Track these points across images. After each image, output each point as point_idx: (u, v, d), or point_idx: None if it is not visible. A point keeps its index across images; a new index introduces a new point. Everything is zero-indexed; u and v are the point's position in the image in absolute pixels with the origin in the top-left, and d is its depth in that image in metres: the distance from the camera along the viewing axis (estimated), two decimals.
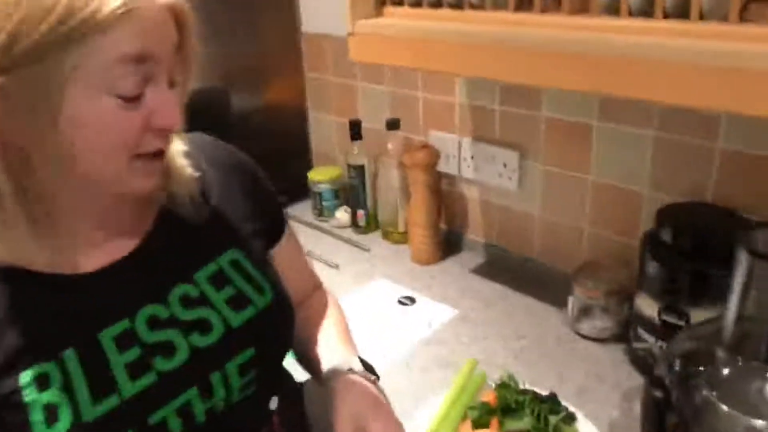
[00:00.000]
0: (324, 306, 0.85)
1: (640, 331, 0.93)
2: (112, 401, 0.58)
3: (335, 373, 0.71)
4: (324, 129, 1.61)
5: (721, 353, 0.61)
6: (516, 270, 1.25)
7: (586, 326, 1.04)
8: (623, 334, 1.01)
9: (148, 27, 0.53)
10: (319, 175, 1.53)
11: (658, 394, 0.64)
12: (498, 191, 1.24)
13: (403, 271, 1.30)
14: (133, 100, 0.55)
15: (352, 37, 0.99)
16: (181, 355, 0.62)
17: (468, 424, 0.84)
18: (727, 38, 0.62)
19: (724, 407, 0.59)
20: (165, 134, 0.59)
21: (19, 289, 0.58)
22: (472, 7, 0.88)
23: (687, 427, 0.62)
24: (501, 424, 0.82)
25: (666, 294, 0.87)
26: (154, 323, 0.62)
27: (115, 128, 0.55)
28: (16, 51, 0.49)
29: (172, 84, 0.59)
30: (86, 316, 0.60)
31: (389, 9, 0.99)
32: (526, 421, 0.82)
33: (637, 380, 0.94)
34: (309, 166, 1.64)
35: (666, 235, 0.88)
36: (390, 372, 0.99)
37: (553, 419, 0.81)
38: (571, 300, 1.06)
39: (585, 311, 1.04)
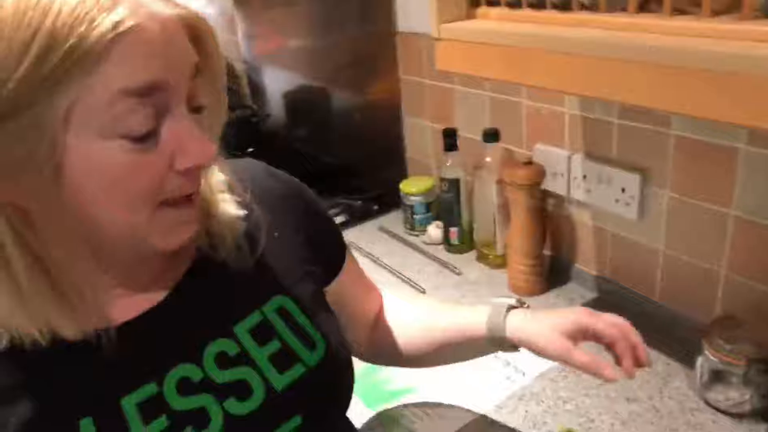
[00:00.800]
0: (403, 302, 0.78)
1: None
2: None
3: (497, 318, 0.65)
4: (419, 136, 1.48)
5: None
6: (633, 312, 1.05)
7: (718, 396, 0.84)
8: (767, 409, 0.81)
9: (151, 51, 0.44)
10: (412, 187, 1.41)
11: None
12: (614, 218, 1.05)
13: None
14: (144, 138, 0.45)
15: (438, 43, 0.85)
16: (215, 426, 0.53)
17: None
18: None
19: None
20: (194, 174, 0.49)
21: (37, 354, 0.51)
22: (583, 7, 0.71)
23: None
24: None
25: None
26: (185, 387, 0.53)
27: (128, 176, 0.46)
28: None
29: (197, 110, 0.49)
30: (108, 379, 0.52)
31: (483, 10, 0.84)
32: None
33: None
34: (403, 175, 1.53)
35: None
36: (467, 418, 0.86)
37: None
38: (700, 361, 0.86)
39: (718, 377, 0.84)
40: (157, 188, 0.47)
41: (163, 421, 0.52)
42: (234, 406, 0.54)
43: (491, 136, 1.18)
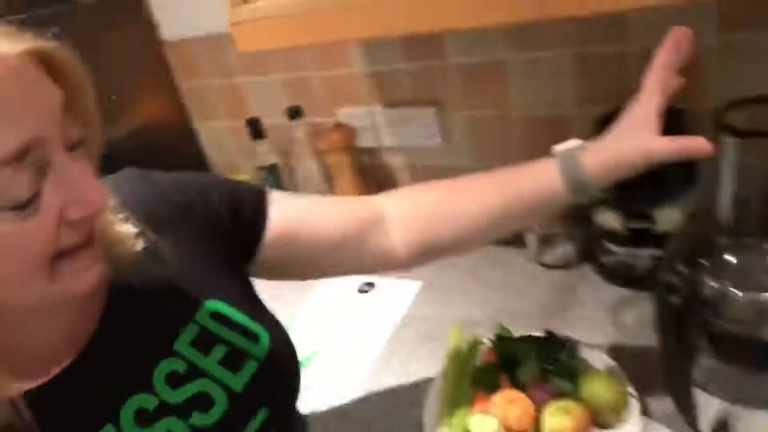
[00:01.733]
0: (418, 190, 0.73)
1: (608, 246, 0.94)
2: None
3: (571, 164, 0.61)
4: (219, 138, 1.49)
5: (720, 240, 0.61)
6: None
7: (549, 257, 1.05)
8: (587, 254, 1.02)
9: (9, 111, 0.39)
10: None
11: (675, 299, 0.63)
12: (423, 152, 1.21)
13: None
14: (28, 203, 0.41)
15: (236, 27, 0.90)
16: None
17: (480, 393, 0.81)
18: None
19: (740, 293, 0.60)
20: (88, 221, 0.46)
21: None
22: None
23: (707, 323, 0.62)
24: (511, 377, 0.80)
25: (626, 202, 0.88)
26: (143, 418, 0.51)
27: (18, 248, 0.42)
28: None
29: (75, 146, 0.45)
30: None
31: None
32: (534, 366, 0.80)
33: (617, 293, 0.95)
34: None
35: None
36: (375, 367, 0.95)
37: (561, 356, 0.80)
38: (528, 236, 1.06)
39: (545, 242, 1.04)
40: (50, 249, 0.44)
41: None
42: (200, 419, 0.53)
43: (295, 112, 1.25)
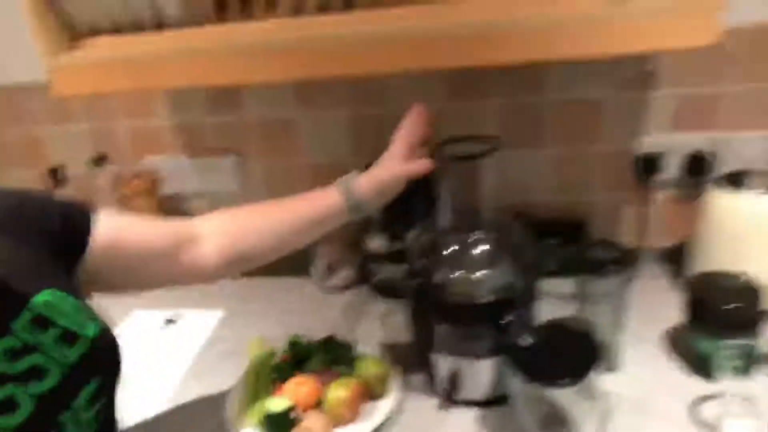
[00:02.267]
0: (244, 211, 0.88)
1: (376, 267, 1.17)
2: None
3: (348, 186, 0.84)
4: (14, 184, 1.48)
5: (441, 239, 0.86)
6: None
7: (333, 281, 1.24)
8: (363, 275, 1.24)
9: None
10: None
11: (418, 280, 0.86)
12: (224, 196, 1.36)
13: (157, 294, 1.32)
14: None
15: (55, 73, 0.99)
16: (26, 408, 0.60)
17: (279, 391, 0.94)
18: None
19: (456, 273, 0.84)
20: None
21: None
22: (171, 27, 0.98)
23: (437, 300, 0.85)
24: (302, 370, 0.96)
25: (387, 228, 1.12)
26: None
27: None
28: None
29: None
30: None
31: (86, 41, 1.02)
32: (320, 359, 0.97)
33: (386, 305, 1.17)
34: None
35: None
36: (181, 383, 1.04)
37: (341, 351, 0.99)
38: (315, 264, 1.25)
39: (330, 269, 1.24)
40: None
41: None
42: (37, 387, 0.61)
43: (99, 160, 1.33)
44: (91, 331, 0.67)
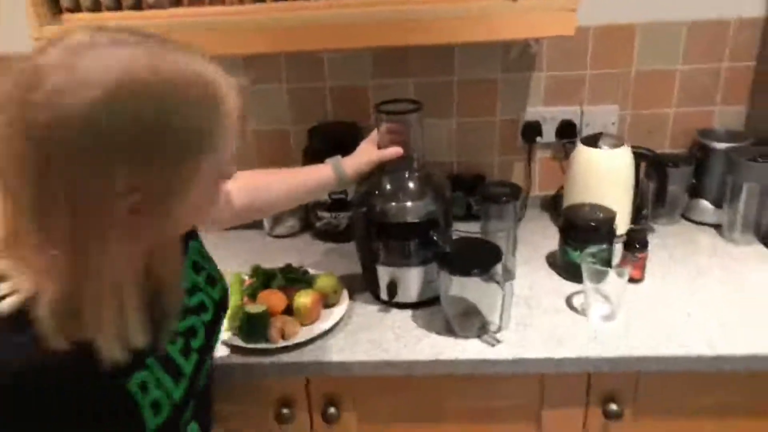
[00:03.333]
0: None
1: (320, 213, 1.40)
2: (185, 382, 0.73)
3: (337, 164, 1.08)
4: None
5: (381, 177, 1.12)
6: None
7: (279, 230, 1.46)
8: (306, 223, 1.47)
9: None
10: None
11: (363, 209, 1.11)
12: None
13: None
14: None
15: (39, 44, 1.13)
16: (200, 336, 0.79)
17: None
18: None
19: (393, 204, 1.10)
20: None
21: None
22: (150, 6, 1.17)
23: (378, 224, 1.10)
24: (266, 286, 1.17)
25: None
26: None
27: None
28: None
29: None
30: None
31: (66, 16, 1.17)
32: (281, 279, 1.18)
33: (329, 247, 1.41)
34: None
35: (317, 144, 1.36)
36: None
37: (298, 274, 1.21)
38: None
39: (276, 219, 1.46)
40: None
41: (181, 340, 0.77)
42: (205, 317, 0.82)
43: None
44: (218, 275, 0.87)
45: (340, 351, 1.05)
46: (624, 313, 1.11)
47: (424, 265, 1.13)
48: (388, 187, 1.12)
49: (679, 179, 1.37)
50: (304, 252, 1.40)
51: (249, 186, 1.07)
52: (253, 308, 1.08)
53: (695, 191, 1.41)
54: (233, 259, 1.38)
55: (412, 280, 1.14)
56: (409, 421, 1.11)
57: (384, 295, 1.15)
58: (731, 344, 1.01)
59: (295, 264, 1.26)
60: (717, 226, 1.38)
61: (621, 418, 1.06)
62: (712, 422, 1.09)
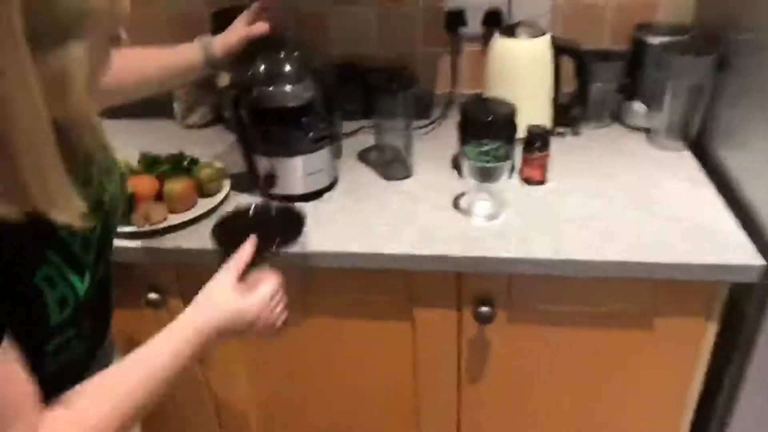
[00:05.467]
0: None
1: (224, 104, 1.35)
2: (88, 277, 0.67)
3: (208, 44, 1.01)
4: None
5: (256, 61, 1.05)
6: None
7: (192, 119, 1.41)
8: (218, 114, 1.42)
9: None
10: None
11: (232, 93, 1.05)
12: None
13: None
14: None
15: None
16: (99, 227, 0.72)
17: None
18: None
19: (269, 88, 1.03)
20: None
21: None
22: None
23: (255, 110, 1.04)
24: (147, 170, 1.14)
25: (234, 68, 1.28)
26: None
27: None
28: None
29: None
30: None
31: None
32: (163, 165, 1.15)
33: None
34: None
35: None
36: None
37: (183, 162, 1.17)
38: (175, 105, 1.41)
39: (188, 109, 1.41)
40: None
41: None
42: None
43: None
44: (114, 165, 0.79)
45: (205, 239, 1.03)
46: (511, 215, 1.05)
47: (303, 155, 1.07)
48: (262, 69, 1.05)
49: (609, 76, 1.26)
50: (211, 144, 1.35)
51: (117, 64, 1.02)
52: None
53: (629, 92, 1.30)
54: (138, 150, 1.35)
55: (290, 172, 1.09)
56: None
57: (262, 187, 1.11)
58: (607, 251, 0.95)
59: (201, 156, 1.22)
60: (649, 131, 1.27)
61: (492, 321, 1.02)
62: (585, 331, 1.04)
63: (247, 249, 0.81)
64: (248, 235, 0.82)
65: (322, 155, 1.09)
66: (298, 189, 1.11)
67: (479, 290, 1.02)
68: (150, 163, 1.16)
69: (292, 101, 1.04)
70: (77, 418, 0.63)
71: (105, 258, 0.75)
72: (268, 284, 0.79)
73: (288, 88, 1.04)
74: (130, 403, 0.66)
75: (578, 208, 1.06)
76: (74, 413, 0.63)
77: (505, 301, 1.03)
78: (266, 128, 1.06)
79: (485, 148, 1.05)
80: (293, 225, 0.92)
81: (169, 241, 1.03)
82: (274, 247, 0.85)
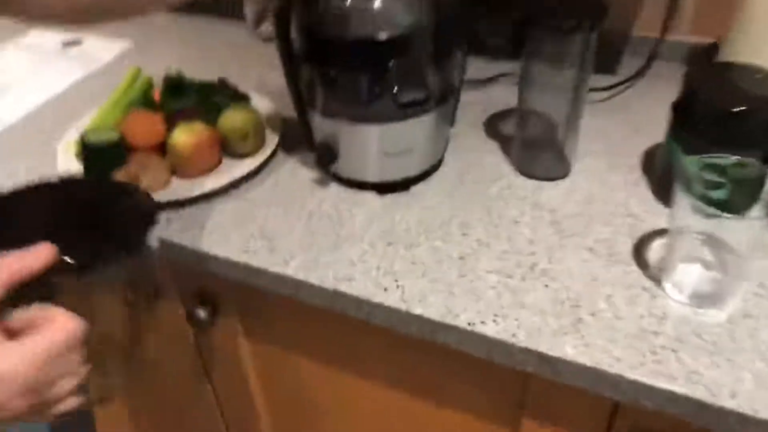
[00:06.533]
0: None
1: None
2: None
3: None
4: None
5: None
6: None
7: (264, 27, 1.00)
8: None
9: None
10: None
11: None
12: None
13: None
14: None
15: None
16: None
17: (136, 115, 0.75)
18: None
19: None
20: None
21: None
22: None
23: (316, 41, 0.60)
24: (163, 105, 0.76)
25: None
26: None
27: None
28: None
29: None
30: None
31: None
32: (189, 100, 0.76)
33: None
34: None
35: None
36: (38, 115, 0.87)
37: (218, 96, 0.77)
38: (246, 9, 1.00)
39: (261, 15, 0.99)
40: None
41: None
42: None
43: None
44: None
45: (206, 231, 0.64)
46: (751, 303, 0.55)
47: (383, 123, 0.63)
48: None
49: None
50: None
51: None
52: (98, 134, 0.68)
53: None
54: (176, 57, 0.99)
55: (359, 146, 0.65)
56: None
57: (320, 161, 0.69)
58: None
59: (260, 88, 0.82)
60: None
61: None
62: None
63: (26, 261, 0.40)
64: (35, 235, 0.41)
65: (415, 126, 0.64)
66: (370, 174, 0.67)
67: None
68: (173, 91, 0.78)
69: (379, 29, 0.58)
70: None
71: None
72: (50, 332, 0.39)
73: (377, 4, 0.58)
74: None
75: None
76: None
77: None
78: (327, 70, 0.62)
79: (721, 161, 0.55)
80: (129, 222, 0.49)
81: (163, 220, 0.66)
82: (78, 260, 0.43)
